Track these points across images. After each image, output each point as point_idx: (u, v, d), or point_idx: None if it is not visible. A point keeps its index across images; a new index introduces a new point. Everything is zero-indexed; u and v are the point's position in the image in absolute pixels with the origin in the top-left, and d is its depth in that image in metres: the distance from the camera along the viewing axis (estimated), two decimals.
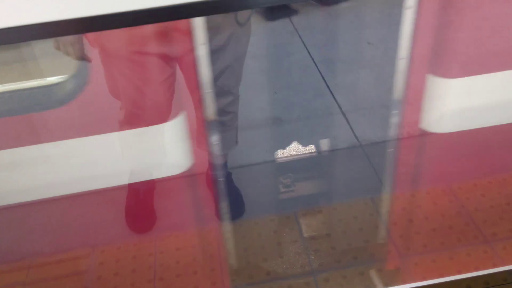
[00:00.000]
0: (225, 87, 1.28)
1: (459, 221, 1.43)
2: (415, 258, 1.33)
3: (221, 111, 1.35)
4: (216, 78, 1.25)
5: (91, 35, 1.13)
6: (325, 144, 1.31)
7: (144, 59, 1.15)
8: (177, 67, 1.25)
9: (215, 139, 1.27)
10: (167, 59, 1.19)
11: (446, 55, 1.26)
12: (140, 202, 1.45)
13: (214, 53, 1.19)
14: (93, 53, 1.16)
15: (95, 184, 1.40)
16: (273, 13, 2.46)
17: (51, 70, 1.62)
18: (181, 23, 1.09)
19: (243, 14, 1.17)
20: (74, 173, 1.35)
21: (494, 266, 1.29)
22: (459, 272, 1.28)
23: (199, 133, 1.42)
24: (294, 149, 1.33)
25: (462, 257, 1.32)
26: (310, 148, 1.33)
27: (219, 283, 1.31)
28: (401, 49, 1.08)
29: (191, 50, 1.15)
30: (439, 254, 1.34)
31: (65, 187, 1.38)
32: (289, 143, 1.54)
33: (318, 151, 1.32)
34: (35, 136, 1.44)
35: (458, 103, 1.30)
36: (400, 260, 1.33)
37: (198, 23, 1.03)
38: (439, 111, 1.28)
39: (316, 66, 2.04)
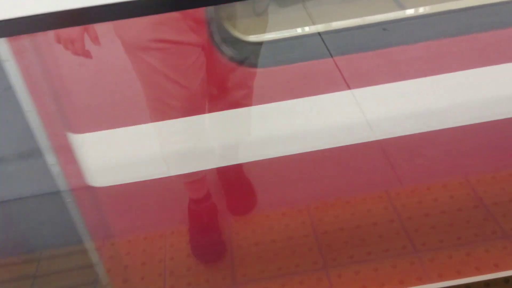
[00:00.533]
0: (241, 80, 1.24)
1: (477, 216, 1.39)
2: (431, 253, 1.29)
3: (235, 104, 1.31)
4: (232, 70, 1.22)
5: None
6: None
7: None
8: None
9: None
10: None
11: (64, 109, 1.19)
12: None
13: (231, 45, 1.15)
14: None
15: None
16: None
17: None
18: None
19: (260, 4, 1.12)
20: None
21: None
22: (477, 269, 1.24)
23: None
24: None
25: (480, 253, 1.28)
26: None
27: (229, 277, 1.29)
28: (23, 101, 1.04)
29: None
30: (455, 249, 1.30)
31: None
32: None
33: None
34: None
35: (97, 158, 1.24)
36: (415, 256, 1.29)
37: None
38: (89, 164, 1.23)
39: None
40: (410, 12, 1.41)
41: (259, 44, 1.25)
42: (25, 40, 1.08)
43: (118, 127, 1.27)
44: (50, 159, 1.16)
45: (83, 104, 1.36)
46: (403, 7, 1.40)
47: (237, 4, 1.14)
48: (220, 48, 1.17)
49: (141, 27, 1.05)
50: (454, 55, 1.59)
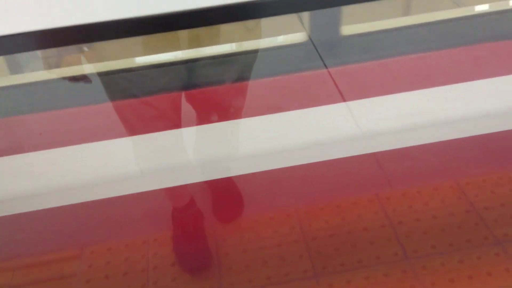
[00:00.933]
0: (232, 99, 1.17)
1: (468, 221, 1.36)
2: (423, 261, 1.26)
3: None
4: (224, 88, 1.15)
5: None
6: None
7: None
8: None
9: None
10: None
11: None
12: None
13: (221, 65, 1.08)
14: None
15: None
16: None
17: None
18: None
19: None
20: None
21: (507, 270, 1.22)
22: (470, 277, 1.22)
23: None
24: None
25: (473, 260, 1.26)
26: None
27: (216, 287, 1.24)
28: None
29: None
30: (448, 256, 1.27)
31: None
32: None
33: None
34: None
35: None
36: (407, 263, 1.26)
37: None
38: None
39: None
40: None
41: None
42: None
43: None
44: None
45: None
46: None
47: None
48: None
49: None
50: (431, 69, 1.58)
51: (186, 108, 1.26)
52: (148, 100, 1.13)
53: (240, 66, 1.13)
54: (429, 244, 1.31)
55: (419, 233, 1.34)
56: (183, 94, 1.19)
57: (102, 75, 1.11)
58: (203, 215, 1.37)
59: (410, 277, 1.23)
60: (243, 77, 1.16)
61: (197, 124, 1.32)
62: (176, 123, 1.23)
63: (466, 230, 1.34)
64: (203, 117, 1.27)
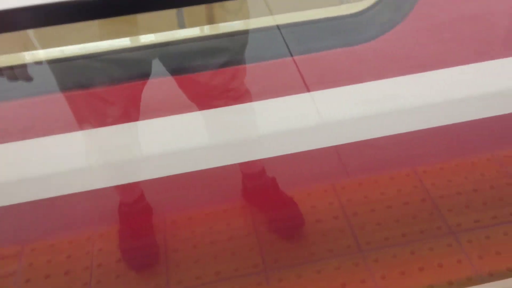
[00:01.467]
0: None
1: (423, 210, 1.35)
2: (375, 253, 1.24)
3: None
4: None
5: None
6: None
7: None
8: None
9: None
10: None
11: None
12: None
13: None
14: None
15: None
16: None
17: None
18: None
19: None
20: None
21: (458, 262, 1.21)
22: (420, 269, 1.20)
23: None
24: None
25: (425, 251, 1.24)
26: None
27: (163, 285, 1.19)
28: None
29: None
30: (400, 248, 1.25)
31: None
32: None
33: None
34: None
35: None
36: (360, 256, 1.24)
37: None
38: None
39: None
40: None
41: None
42: None
43: None
44: None
45: None
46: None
47: None
48: None
49: None
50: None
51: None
52: (104, 91, 1.06)
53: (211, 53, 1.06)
54: (382, 236, 1.28)
55: (373, 224, 1.31)
56: (147, 83, 1.12)
57: (53, 62, 1.03)
58: (152, 210, 1.32)
59: (362, 270, 1.21)
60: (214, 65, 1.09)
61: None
62: (134, 116, 1.16)
63: (420, 220, 1.32)
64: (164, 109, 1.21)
